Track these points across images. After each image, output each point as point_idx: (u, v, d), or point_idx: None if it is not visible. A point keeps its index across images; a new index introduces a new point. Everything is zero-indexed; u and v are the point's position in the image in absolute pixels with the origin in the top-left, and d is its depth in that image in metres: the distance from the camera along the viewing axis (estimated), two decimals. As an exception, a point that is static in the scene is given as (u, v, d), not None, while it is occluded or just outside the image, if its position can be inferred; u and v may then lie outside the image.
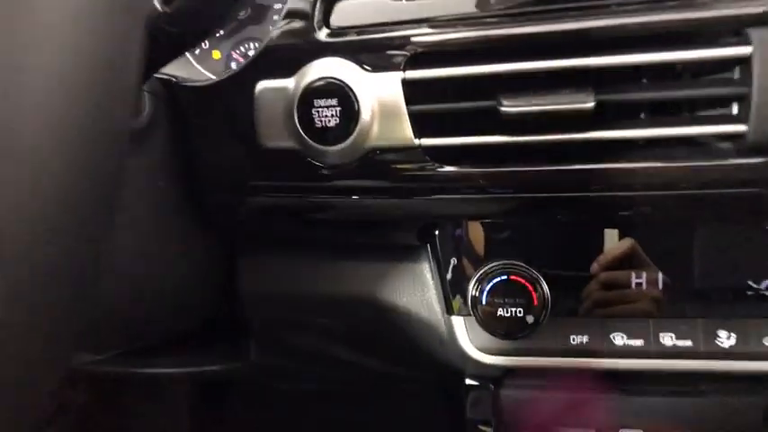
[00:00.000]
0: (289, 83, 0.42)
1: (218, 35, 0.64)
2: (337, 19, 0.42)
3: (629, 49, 0.36)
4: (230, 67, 0.64)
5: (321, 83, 0.40)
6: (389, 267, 0.50)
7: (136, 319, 0.49)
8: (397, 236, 0.49)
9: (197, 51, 0.65)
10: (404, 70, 0.40)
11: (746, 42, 0.35)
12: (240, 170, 0.45)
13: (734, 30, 0.36)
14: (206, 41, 0.65)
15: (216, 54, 0.65)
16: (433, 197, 0.42)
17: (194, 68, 0.63)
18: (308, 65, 0.41)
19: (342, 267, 0.51)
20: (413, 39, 0.40)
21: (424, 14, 0.41)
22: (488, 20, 0.39)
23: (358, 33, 0.41)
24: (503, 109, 0.37)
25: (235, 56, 0.64)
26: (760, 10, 0.35)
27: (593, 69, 0.37)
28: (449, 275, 0.48)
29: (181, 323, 0.59)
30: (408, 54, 0.40)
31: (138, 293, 0.46)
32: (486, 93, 0.39)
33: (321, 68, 0.41)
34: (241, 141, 0.44)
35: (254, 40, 0.64)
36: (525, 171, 0.39)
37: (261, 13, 0.64)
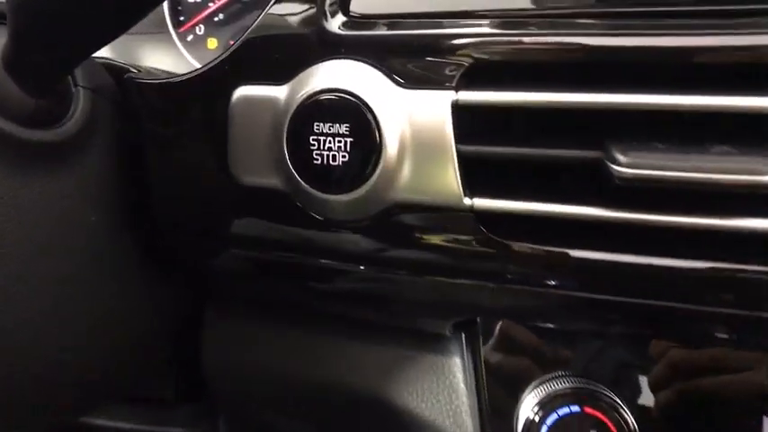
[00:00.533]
0: (279, 92, 0.28)
1: (216, 19, 0.51)
2: (359, 4, 0.28)
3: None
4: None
5: (326, 97, 0.26)
6: (405, 357, 0.35)
7: (84, 383, 0.35)
8: (420, 318, 0.34)
9: (189, 38, 0.52)
10: (456, 89, 0.25)
11: None
12: (208, 208, 0.31)
13: None
14: (201, 26, 0.51)
15: (212, 42, 0.52)
16: (482, 282, 0.27)
17: (181, 58, 0.50)
18: (310, 68, 0.27)
19: (339, 348, 0.37)
20: (474, 42, 0.25)
21: (495, 5, 0.26)
22: (592, 21, 0.25)
23: (389, 27, 0.27)
24: (615, 168, 0.22)
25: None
26: None
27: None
28: (490, 384, 0.33)
29: (136, 380, 0.46)
30: (466, 65, 0.25)
31: (81, 353, 0.32)
32: (582, 137, 0.24)
33: (328, 75, 0.27)
34: (211, 169, 0.30)
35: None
36: (629, 263, 0.25)
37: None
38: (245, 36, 0.29)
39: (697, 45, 0.23)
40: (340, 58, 0.27)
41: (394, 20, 0.27)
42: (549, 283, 0.26)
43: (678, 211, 0.23)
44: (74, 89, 0.30)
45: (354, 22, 0.27)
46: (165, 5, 0.52)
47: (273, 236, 0.30)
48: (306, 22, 0.28)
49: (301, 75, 0.27)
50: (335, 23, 0.27)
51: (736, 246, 0.24)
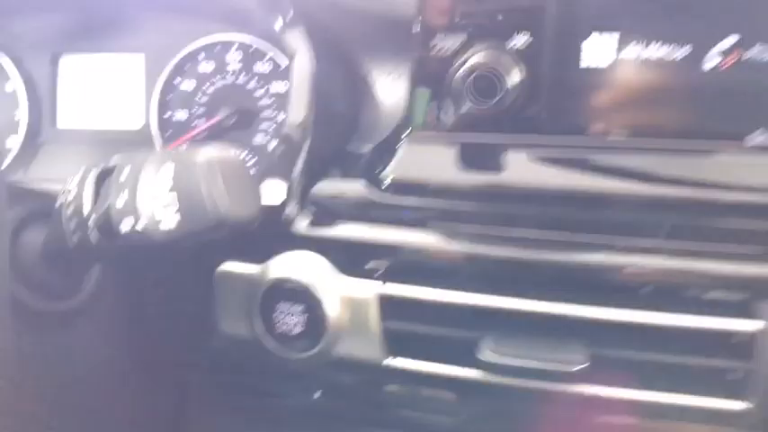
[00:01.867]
0: (255, 271, 0.38)
1: (199, 136, 0.60)
2: (317, 208, 0.38)
3: (631, 302, 0.33)
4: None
5: (288, 285, 0.36)
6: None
7: None
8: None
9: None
10: (384, 281, 0.36)
11: (758, 317, 0.32)
12: (196, 350, 0.42)
13: (745, 302, 0.32)
14: (185, 144, 0.61)
15: (196, 154, 0.61)
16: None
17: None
18: (277, 257, 0.37)
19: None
20: (399, 246, 0.36)
21: (416, 216, 0.37)
22: (486, 236, 0.36)
23: (336, 229, 0.37)
24: (481, 358, 0.33)
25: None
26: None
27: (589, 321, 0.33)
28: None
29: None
30: (390, 264, 0.36)
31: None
32: (470, 323, 0.35)
33: (290, 265, 0.37)
34: (200, 320, 0.40)
35: (236, 142, 0.60)
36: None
37: (247, 119, 0.60)
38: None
39: (567, 261, 0.34)
40: (301, 250, 0.37)
41: (343, 222, 0.37)
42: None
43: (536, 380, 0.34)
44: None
45: (313, 222, 0.38)
46: (155, 126, 0.60)
47: (249, 370, 0.41)
48: (276, 219, 0.38)
49: (270, 261, 0.38)
50: (300, 223, 0.38)
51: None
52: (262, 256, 0.37)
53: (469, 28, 0.35)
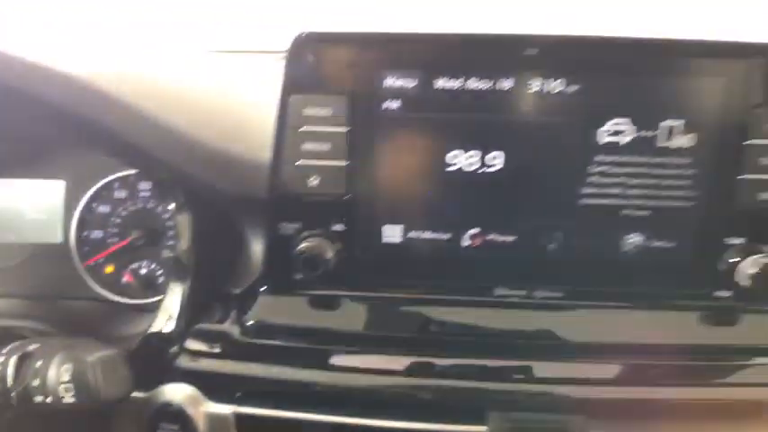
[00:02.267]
0: (145, 396, 0.52)
1: (113, 252, 0.73)
2: (194, 346, 0.52)
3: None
4: (120, 282, 0.72)
5: (168, 408, 0.50)
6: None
7: None
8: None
9: (92, 263, 0.73)
10: (238, 404, 0.50)
11: (483, 423, 0.48)
12: None
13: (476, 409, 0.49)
14: (101, 257, 0.73)
15: (109, 268, 0.73)
16: None
17: (84, 284, 0.71)
18: (161, 387, 0.51)
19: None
20: (248, 376, 0.51)
21: (263, 352, 0.52)
22: (324, 366, 0.51)
23: (207, 364, 0.52)
24: None
25: (126, 274, 0.73)
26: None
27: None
28: None
29: None
30: (242, 391, 0.50)
31: None
32: None
33: (170, 393, 0.51)
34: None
35: (146, 259, 0.73)
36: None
37: (155, 237, 0.73)
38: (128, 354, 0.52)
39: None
40: (178, 382, 0.51)
41: (212, 359, 0.52)
42: None
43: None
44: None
45: (190, 360, 0.52)
46: (73, 243, 0.72)
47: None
48: (161, 354, 0.52)
49: (157, 390, 0.51)
50: (180, 359, 0.52)
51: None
52: (151, 385, 0.51)
53: (303, 219, 0.51)
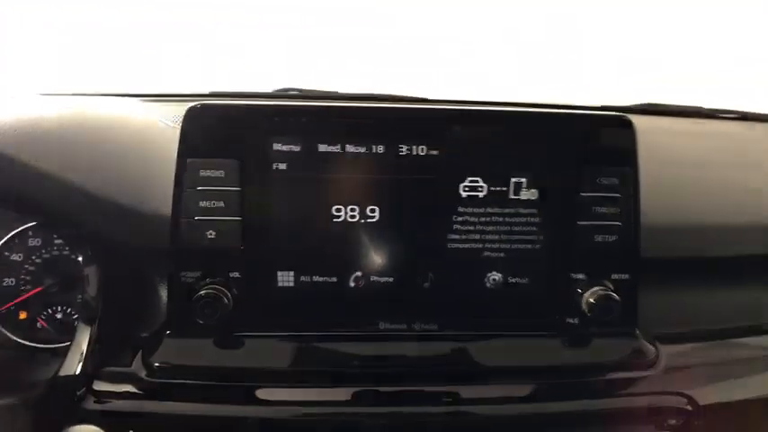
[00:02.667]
0: None
1: (26, 299, 0.75)
2: (101, 387, 0.56)
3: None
4: (35, 327, 0.75)
5: None
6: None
7: None
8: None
9: (4, 310, 0.75)
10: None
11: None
12: None
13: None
14: (14, 304, 0.75)
15: (23, 314, 0.75)
16: None
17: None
18: (68, 429, 0.54)
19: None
20: (154, 413, 0.55)
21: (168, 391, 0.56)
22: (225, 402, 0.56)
23: (112, 405, 0.56)
24: None
25: (40, 319, 0.75)
26: None
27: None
28: None
29: None
30: (150, 427, 0.55)
31: None
32: None
33: None
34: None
35: (61, 304, 0.76)
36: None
37: (70, 283, 0.75)
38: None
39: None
40: (86, 421, 0.55)
41: (118, 399, 0.56)
42: None
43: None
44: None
45: (96, 402, 0.56)
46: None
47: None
48: (67, 399, 0.55)
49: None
50: (86, 402, 0.56)
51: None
52: (58, 428, 0.55)
53: (202, 268, 0.56)
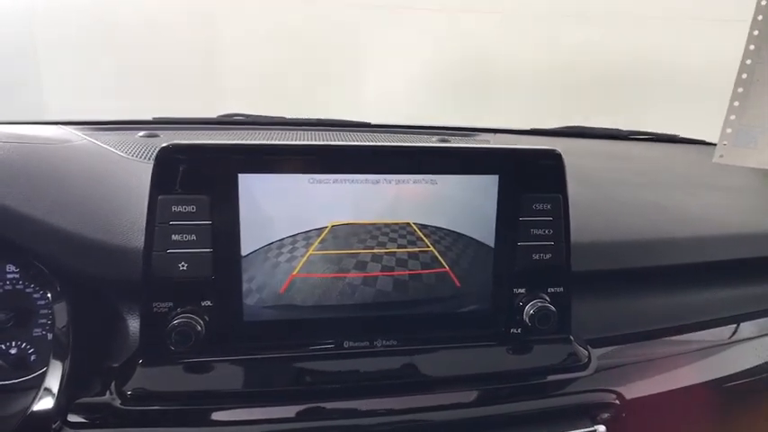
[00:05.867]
0: None
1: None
2: (76, 418, 0.57)
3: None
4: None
5: None
6: None
7: None
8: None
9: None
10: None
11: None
12: None
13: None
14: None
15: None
16: None
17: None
18: None
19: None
20: None
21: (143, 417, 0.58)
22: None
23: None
24: None
25: (-6, 355, 0.74)
26: None
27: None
28: None
29: None
30: None
31: None
32: None
33: None
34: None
35: (15, 339, 0.75)
36: None
37: (24, 317, 0.75)
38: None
39: None
40: None
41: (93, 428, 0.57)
42: None
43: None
44: None
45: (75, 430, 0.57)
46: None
47: None
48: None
49: None
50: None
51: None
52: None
53: (174, 298, 0.59)
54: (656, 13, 2.39)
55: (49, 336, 0.71)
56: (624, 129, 1.39)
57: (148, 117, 1.20)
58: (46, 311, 0.73)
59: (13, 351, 0.74)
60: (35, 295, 0.74)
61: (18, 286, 0.74)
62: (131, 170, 0.78)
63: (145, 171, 0.59)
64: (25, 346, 0.74)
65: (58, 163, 0.73)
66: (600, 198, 0.87)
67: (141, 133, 1.01)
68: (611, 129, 1.37)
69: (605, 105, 2.25)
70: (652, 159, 1.23)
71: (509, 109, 2.32)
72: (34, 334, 0.74)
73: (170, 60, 2.24)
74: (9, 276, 0.74)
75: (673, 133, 1.39)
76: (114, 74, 2.20)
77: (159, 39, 2.27)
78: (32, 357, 0.75)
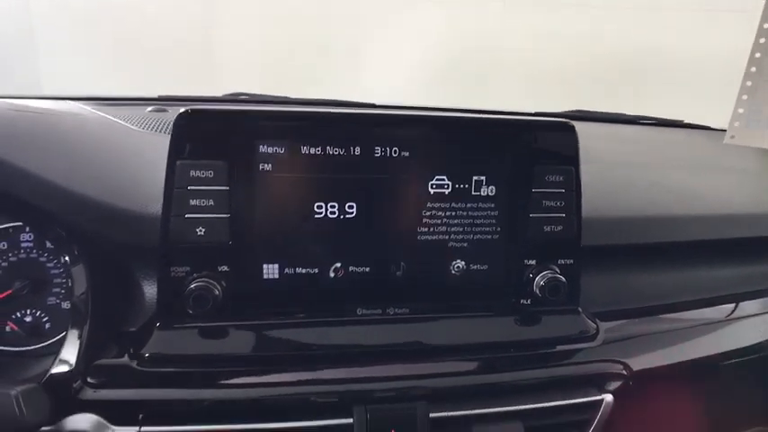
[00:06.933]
0: (51, 429, 0.57)
1: (-5, 303, 0.75)
2: (95, 379, 0.58)
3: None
4: (4, 333, 0.75)
5: None
6: None
7: None
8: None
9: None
10: (140, 425, 0.58)
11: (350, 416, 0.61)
12: None
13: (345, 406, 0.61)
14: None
15: (-11, 319, 0.75)
16: None
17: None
18: (65, 420, 0.57)
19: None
20: (148, 399, 0.58)
21: (160, 378, 0.59)
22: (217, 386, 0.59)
23: (108, 394, 0.58)
24: None
25: (9, 323, 0.75)
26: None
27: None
28: None
29: None
30: (144, 413, 0.58)
31: None
32: None
33: (75, 423, 0.56)
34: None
35: (30, 307, 0.76)
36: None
37: (40, 285, 0.76)
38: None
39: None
40: (83, 413, 0.57)
41: (109, 383, 0.58)
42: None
43: None
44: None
45: (91, 388, 0.58)
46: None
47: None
48: (64, 390, 0.57)
49: (62, 421, 0.57)
50: (83, 392, 0.58)
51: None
52: (56, 417, 0.56)
53: (192, 263, 0.60)
54: (655, 3, 2.40)
55: (64, 304, 0.72)
56: (628, 113, 1.39)
57: (154, 95, 1.20)
58: (60, 281, 0.73)
59: (28, 319, 0.75)
60: (49, 264, 0.75)
61: (32, 255, 0.75)
62: (145, 141, 0.79)
63: (159, 142, 0.59)
64: (40, 314, 0.75)
65: (73, 132, 0.74)
66: (604, 176, 0.88)
67: (149, 108, 1.01)
68: (616, 113, 1.38)
69: (606, 94, 2.26)
70: (656, 141, 1.24)
71: (509, 95, 2.33)
72: (49, 302, 0.75)
73: (168, 38, 2.23)
74: (24, 245, 0.75)
75: (677, 119, 1.40)
76: (112, 52, 2.19)
77: (156, 17, 2.26)
78: (47, 326, 0.75)
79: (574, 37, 2.39)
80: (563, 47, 2.38)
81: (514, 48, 2.41)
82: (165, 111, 1.01)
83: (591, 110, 1.35)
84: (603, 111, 1.36)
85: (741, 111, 0.82)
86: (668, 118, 1.40)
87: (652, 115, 1.39)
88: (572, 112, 1.33)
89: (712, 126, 1.35)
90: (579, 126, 0.66)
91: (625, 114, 1.39)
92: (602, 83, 2.28)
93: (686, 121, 1.39)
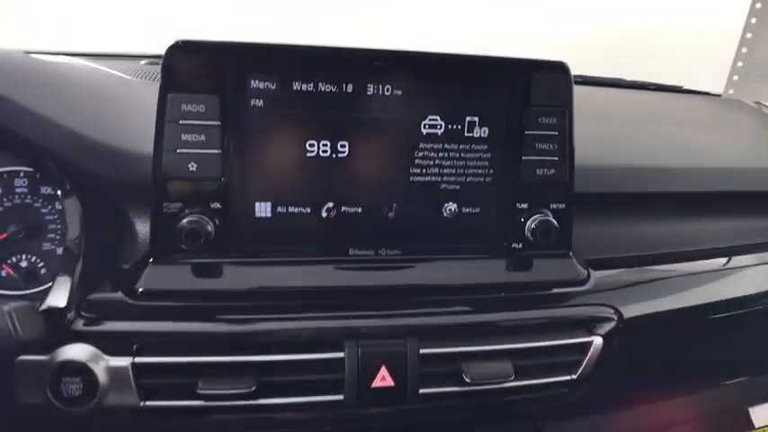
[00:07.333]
0: (45, 358, 0.58)
1: (-10, 244, 0.75)
2: (89, 312, 0.59)
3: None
4: (0, 274, 0.75)
5: (70, 365, 0.57)
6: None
7: None
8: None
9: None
10: (134, 356, 0.58)
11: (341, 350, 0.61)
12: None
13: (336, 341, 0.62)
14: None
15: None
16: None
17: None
18: (61, 348, 0.57)
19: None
20: (141, 332, 0.59)
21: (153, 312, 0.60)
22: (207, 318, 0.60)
23: (102, 326, 0.59)
24: (199, 391, 0.58)
25: (5, 267, 0.76)
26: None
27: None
28: None
29: None
30: (139, 344, 0.58)
31: None
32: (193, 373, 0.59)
33: (70, 353, 0.57)
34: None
35: (26, 252, 0.76)
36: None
37: (34, 230, 0.76)
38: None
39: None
40: (77, 343, 0.58)
41: (104, 319, 0.59)
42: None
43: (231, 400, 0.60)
44: None
45: (85, 321, 0.59)
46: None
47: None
48: (58, 323, 0.58)
49: (56, 351, 0.57)
50: (76, 324, 0.58)
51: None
52: (50, 348, 0.57)
53: (184, 199, 0.60)
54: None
55: (59, 250, 0.73)
56: (628, 78, 1.38)
57: (148, 51, 1.19)
58: (55, 227, 0.74)
59: (23, 264, 0.76)
60: (44, 210, 0.75)
61: (27, 201, 0.75)
62: (139, 88, 0.78)
63: (154, 90, 0.59)
64: (36, 259, 0.76)
65: (67, 75, 0.73)
66: (602, 128, 0.88)
67: (144, 61, 1.01)
68: (615, 78, 1.37)
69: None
70: (656, 103, 1.24)
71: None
72: (44, 248, 0.76)
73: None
74: (18, 191, 0.75)
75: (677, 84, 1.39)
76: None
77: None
78: (43, 271, 0.76)
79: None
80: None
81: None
82: (159, 63, 1.00)
83: (588, 74, 1.34)
84: (601, 75, 1.36)
85: (740, 64, 0.81)
86: (667, 84, 1.39)
87: (650, 81, 1.39)
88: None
89: (712, 92, 1.34)
90: (579, 89, 0.66)
91: (625, 79, 1.38)
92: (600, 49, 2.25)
93: (685, 87, 1.38)
